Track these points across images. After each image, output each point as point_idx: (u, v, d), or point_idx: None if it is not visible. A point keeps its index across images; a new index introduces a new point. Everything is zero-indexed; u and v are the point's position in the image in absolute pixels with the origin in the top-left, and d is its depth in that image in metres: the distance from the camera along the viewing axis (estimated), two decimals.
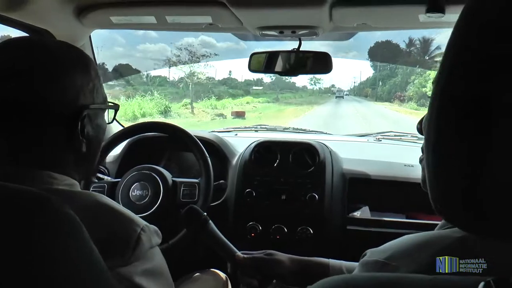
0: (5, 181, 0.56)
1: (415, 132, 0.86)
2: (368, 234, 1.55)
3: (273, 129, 2.46)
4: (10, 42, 0.75)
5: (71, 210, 0.57)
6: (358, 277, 0.40)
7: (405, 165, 1.69)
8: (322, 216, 1.58)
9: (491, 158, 0.33)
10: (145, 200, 1.47)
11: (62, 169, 0.77)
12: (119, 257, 0.69)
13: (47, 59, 0.73)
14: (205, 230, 1.17)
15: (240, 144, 1.85)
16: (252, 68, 1.72)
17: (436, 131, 0.37)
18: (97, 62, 1.99)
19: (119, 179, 1.55)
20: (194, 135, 1.56)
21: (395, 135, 2.22)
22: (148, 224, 0.76)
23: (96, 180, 1.56)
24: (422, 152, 0.66)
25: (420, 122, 0.69)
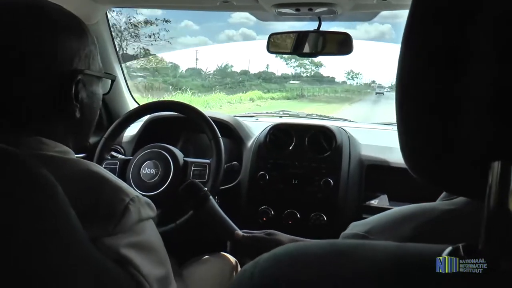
0: None
1: None
2: None
3: (296, 115, 2.41)
4: (5, 2, 0.73)
5: (44, 170, 0.55)
6: (313, 244, 0.36)
7: None
8: (336, 202, 1.52)
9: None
10: (155, 179, 1.46)
11: (54, 135, 0.75)
12: (103, 226, 0.66)
13: (39, 19, 0.71)
14: (204, 205, 1.14)
15: (259, 128, 1.82)
16: (270, 49, 1.68)
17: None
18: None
19: (131, 157, 1.54)
20: (210, 116, 1.53)
21: None
22: (140, 195, 0.74)
23: (109, 158, 1.55)
24: None
25: None
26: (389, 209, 1.52)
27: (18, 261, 0.50)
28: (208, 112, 1.61)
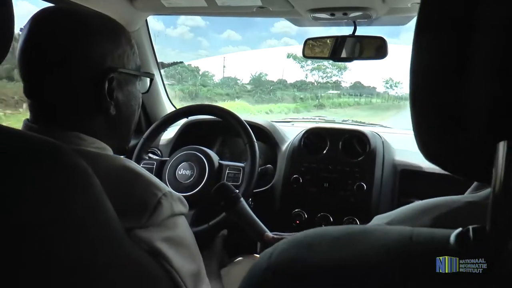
0: None
1: None
2: None
3: (332, 121, 2.41)
4: (45, 9, 0.79)
5: (83, 161, 0.58)
6: (331, 228, 0.38)
7: None
8: (369, 207, 1.51)
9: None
10: (190, 180, 1.49)
11: (93, 132, 0.79)
12: (136, 218, 0.69)
13: (73, 22, 0.76)
14: (234, 207, 1.16)
15: (294, 132, 1.83)
16: (306, 54, 1.70)
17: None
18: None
19: (168, 158, 1.59)
20: (246, 121, 1.55)
21: None
22: (172, 191, 0.77)
23: (147, 158, 1.60)
24: None
25: None
26: None
27: (57, 247, 0.53)
28: (244, 116, 1.64)
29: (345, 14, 1.43)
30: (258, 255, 1.50)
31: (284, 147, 1.75)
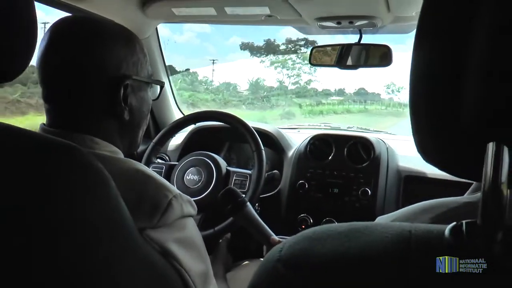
0: None
1: None
2: None
3: (337, 128, 2.43)
4: (65, 18, 0.82)
5: (99, 163, 0.60)
6: (337, 225, 0.40)
7: None
8: (374, 212, 1.54)
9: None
10: (198, 185, 1.52)
11: (106, 137, 0.82)
12: (148, 219, 0.71)
13: (91, 31, 0.80)
14: (241, 211, 1.19)
15: (300, 139, 1.86)
16: (312, 61, 1.72)
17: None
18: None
19: (177, 163, 1.62)
20: (253, 127, 1.58)
21: None
22: (182, 193, 0.79)
23: (156, 162, 1.63)
24: None
25: None
26: None
27: (75, 247, 0.55)
28: (252, 122, 1.67)
29: (351, 23, 1.46)
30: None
31: (290, 153, 1.77)
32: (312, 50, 1.70)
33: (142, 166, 0.81)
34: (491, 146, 0.34)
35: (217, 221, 1.45)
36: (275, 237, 1.17)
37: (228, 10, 1.46)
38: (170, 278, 0.73)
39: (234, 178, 1.56)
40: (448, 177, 1.53)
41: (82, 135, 0.79)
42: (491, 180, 0.33)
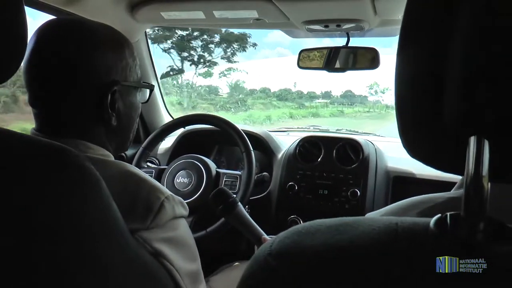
0: None
1: None
2: None
3: (326, 130, 2.45)
4: (50, 21, 0.81)
5: (91, 165, 0.60)
6: (326, 220, 0.42)
7: None
8: (363, 212, 1.55)
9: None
10: (188, 188, 1.53)
11: (95, 141, 0.82)
12: (140, 221, 0.72)
13: (79, 34, 0.79)
14: (232, 211, 1.20)
15: (289, 141, 1.87)
16: (301, 64, 1.74)
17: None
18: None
19: (166, 167, 1.62)
20: (243, 130, 1.59)
21: None
22: (174, 195, 0.80)
23: (146, 166, 1.64)
24: None
25: None
26: None
27: (68, 249, 0.56)
28: (241, 125, 1.68)
29: (338, 26, 1.47)
30: None
31: (279, 155, 1.79)
32: (300, 53, 1.71)
33: (134, 168, 0.81)
34: (472, 140, 0.35)
35: (208, 222, 1.46)
36: (266, 237, 1.18)
37: (217, 14, 1.47)
38: (161, 278, 0.74)
39: (224, 179, 1.57)
40: (436, 177, 1.57)
41: (75, 140, 0.79)
42: (473, 173, 0.34)
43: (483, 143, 0.35)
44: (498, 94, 0.36)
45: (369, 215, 0.61)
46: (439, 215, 0.36)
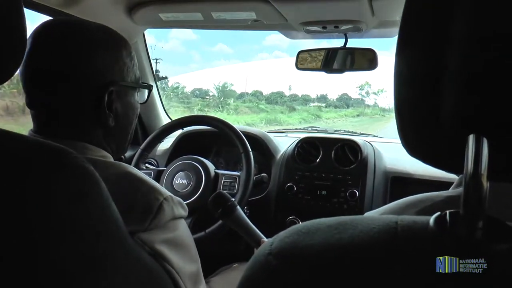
0: None
1: None
2: None
3: (324, 131, 2.46)
4: (47, 22, 0.81)
5: (91, 166, 0.60)
6: (325, 219, 0.42)
7: None
8: (361, 213, 1.55)
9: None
10: (187, 189, 1.53)
11: (94, 142, 0.82)
12: (139, 222, 0.72)
13: (75, 35, 0.79)
14: (231, 215, 1.20)
15: (288, 142, 1.88)
16: (299, 66, 1.74)
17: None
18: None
19: (165, 168, 1.62)
20: (241, 130, 1.60)
21: None
22: (173, 195, 0.80)
23: (144, 168, 1.64)
24: None
25: None
26: None
27: (68, 251, 0.55)
28: (239, 126, 1.68)
29: (336, 27, 1.48)
30: None
31: (278, 156, 1.79)
32: (298, 54, 1.72)
33: (133, 169, 0.81)
34: (471, 139, 0.36)
35: (207, 223, 1.46)
36: (266, 240, 1.18)
37: (215, 15, 1.48)
38: (161, 280, 0.74)
39: (223, 180, 1.57)
40: (434, 177, 1.58)
41: (73, 141, 0.79)
42: (472, 172, 0.34)
43: (482, 141, 0.35)
44: (496, 94, 0.36)
45: (368, 214, 0.61)
46: (439, 213, 0.37)
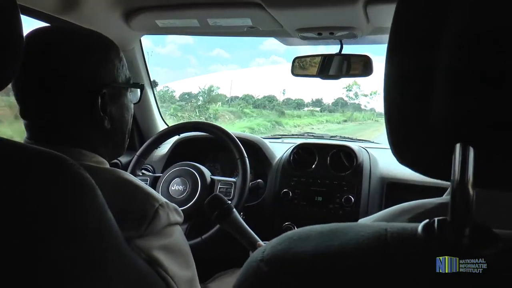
0: None
1: None
2: None
3: (320, 137, 2.47)
4: (37, 29, 0.81)
5: (86, 173, 0.61)
6: (318, 226, 0.43)
7: None
8: (357, 219, 1.55)
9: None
10: (183, 195, 1.53)
11: (91, 147, 0.82)
12: (135, 228, 0.72)
13: (63, 41, 0.79)
14: (227, 217, 1.20)
15: (284, 148, 1.89)
16: (295, 72, 1.74)
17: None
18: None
19: (161, 174, 1.62)
20: (237, 136, 1.60)
21: None
22: (168, 202, 0.80)
23: (140, 174, 1.64)
24: None
25: None
26: None
27: (64, 257, 0.56)
28: (235, 133, 1.69)
29: (331, 34, 1.49)
30: None
31: (274, 162, 1.80)
32: (294, 60, 1.73)
33: (129, 175, 0.81)
34: (458, 147, 0.36)
35: (203, 230, 1.47)
36: (262, 243, 1.18)
37: (211, 21, 1.48)
38: (156, 286, 0.74)
39: (219, 186, 1.58)
40: (430, 183, 1.58)
41: (68, 147, 0.79)
42: (459, 179, 0.35)
43: (468, 150, 0.36)
44: (484, 103, 0.37)
45: (361, 221, 0.62)
46: (427, 220, 0.37)
